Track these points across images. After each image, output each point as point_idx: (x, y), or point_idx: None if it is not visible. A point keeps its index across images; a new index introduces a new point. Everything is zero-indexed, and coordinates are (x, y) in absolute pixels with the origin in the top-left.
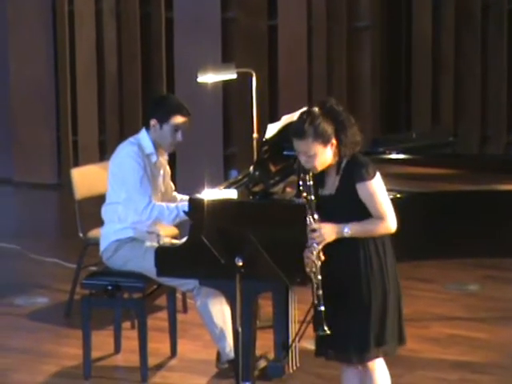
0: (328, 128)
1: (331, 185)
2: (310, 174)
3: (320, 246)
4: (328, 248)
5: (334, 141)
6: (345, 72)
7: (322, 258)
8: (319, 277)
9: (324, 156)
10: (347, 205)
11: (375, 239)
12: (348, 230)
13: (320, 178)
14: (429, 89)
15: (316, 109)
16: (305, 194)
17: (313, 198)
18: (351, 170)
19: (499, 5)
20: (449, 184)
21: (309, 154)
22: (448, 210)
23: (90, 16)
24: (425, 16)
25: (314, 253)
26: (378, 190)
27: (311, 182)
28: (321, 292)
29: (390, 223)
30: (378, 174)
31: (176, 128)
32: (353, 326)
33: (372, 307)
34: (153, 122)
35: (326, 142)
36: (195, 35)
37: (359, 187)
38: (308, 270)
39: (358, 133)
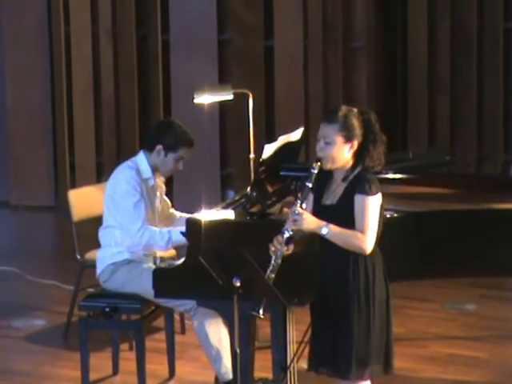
0: (357, 128)
1: (334, 193)
2: (319, 163)
3: (290, 233)
4: (320, 261)
5: (355, 145)
6: (341, 92)
7: (290, 249)
8: (279, 261)
9: (339, 152)
10: (346, 217)
11: (366, 260)
12: (327, 230)
13: (323, 185)
14: (425, 109)
15: (355, 109)
16: (306, 181)
17: (310, 185)
18: (356, 183)
19: (495, 24)
20: (445, 203)
21: (327, 140)
22: (444, 229)
23: (86, 38)
24: (420, 36)
25: (284, 237)
26: (371, 208)
27: (315, 171)
28: (273, 276)
29: (367, 242)
30: (379, 196)
31: (180, 158)
32: (336, 342)
33: (354, 326)
34: (158, 147)
35: (348, 138)
36: (192, 57)
37: (356, 198)
38: (271, 250)
39: (384, 154)
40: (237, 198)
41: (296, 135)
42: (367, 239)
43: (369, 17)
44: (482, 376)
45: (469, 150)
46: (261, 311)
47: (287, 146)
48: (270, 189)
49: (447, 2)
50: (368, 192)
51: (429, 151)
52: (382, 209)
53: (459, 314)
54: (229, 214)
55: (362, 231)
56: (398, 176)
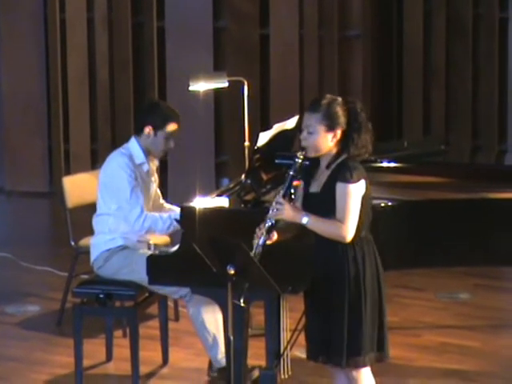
0: (340, 117)
1: (319, 181)
2: (304, 153)
3: (272, 222)
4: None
5: (338, 133)
6: (336, 81)
7: (273, 237)
8: (260, 250)
9: (322, 141)
10: (329, 204)
11: (355, 248)
12: (307, 219)
13: (311, 173)
14: (420, 97)
15: (340, 98)
16: (291, 171)
17: (293, 174)
18: (339, 170)
19: (490, 14)
20: (439, 192)
21: (310, 129)
22: (438, 218)
23: (81, 24)
24: (416, 25)
25: (266, 226)
26: (352, 196)
27: (299, 161)
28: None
29: (347, 230)
30: (361, 183)
31: (170, 135)
32: (329, 331)
33: (345, 315)
34: (147, 128)
35: (331, 127)
36: (187, 44)
37: (338, 186)
38: (254, 240)
39: (370, 142)
40: (231, 185)
41: (291, 123)
42: (347, 228)
43: (364, 6)
44: (475, 365)
45: (463, 140)
46: (241, 300)
47: (282, 133)
48: (264, 177)
49: None
50: (349, 179)
51: (423, 140)
52: (369, 197)
53: (453, 303)
54: (223, 202)
55: (342, 219)
56: (392, 165)
